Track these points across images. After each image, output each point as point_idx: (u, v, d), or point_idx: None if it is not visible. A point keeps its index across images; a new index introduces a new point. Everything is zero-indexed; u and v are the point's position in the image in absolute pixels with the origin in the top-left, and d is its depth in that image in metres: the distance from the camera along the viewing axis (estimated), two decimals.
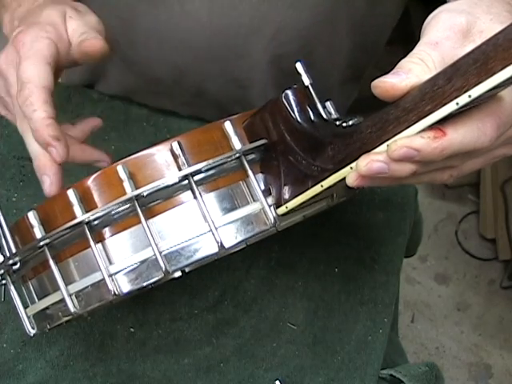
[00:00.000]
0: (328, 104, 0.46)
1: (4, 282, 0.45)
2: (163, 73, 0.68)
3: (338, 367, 0.57)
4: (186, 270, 0.58)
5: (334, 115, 0.45)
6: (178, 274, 0.58)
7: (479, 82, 0.29)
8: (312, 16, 0.61)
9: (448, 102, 0.31)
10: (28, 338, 0.45)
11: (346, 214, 0.65)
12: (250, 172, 0.39)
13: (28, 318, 0.44)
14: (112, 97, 0.71)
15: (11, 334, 0.56)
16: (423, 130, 0.32)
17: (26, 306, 0.44)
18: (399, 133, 0.33)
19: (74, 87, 0.72)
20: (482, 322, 1.50)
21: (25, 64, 0.45)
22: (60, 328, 0.57)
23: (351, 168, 0.35)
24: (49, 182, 0.44)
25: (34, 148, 0.45)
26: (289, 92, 0.39)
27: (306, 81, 0.42)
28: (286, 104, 0.39)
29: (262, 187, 0.40)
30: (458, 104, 0.30)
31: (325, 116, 0.41)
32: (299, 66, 0.42)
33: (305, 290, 0.61)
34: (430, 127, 0.32)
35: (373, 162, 0.34)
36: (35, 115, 0.44)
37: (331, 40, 0.66)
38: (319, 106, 0.41)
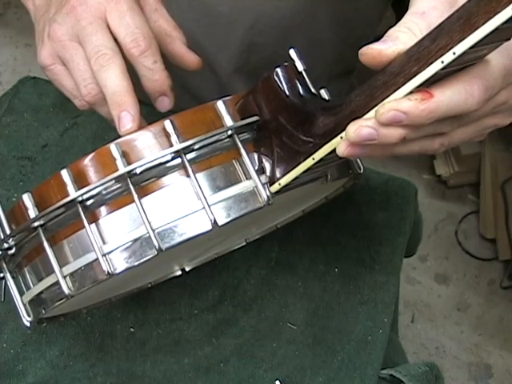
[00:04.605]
0: (323, 91, 0.46)
1: (1, 274, 0.45)
2: None
3: (338, 367, 0.57)
4: (187, 268, 0.58)
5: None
6: (179, 272, 0.58)
7: (463, 38, 0.29)
8: (291, 6, 0.62)
9: (434, 61, 0.31)
10: (25, 329, 0.45)
11: (345, 214, 0.65)
12: (242, 150, 0.39)
13: (24, 305, 0.44)
14: None
15: (11, 334, 0.56)
16: (411, 93, 0.32)
17: (21, 294, 0.44)
18: (387, 97, 0.33)
19: None
20: (481, 322, 1.50)
21: (130, 14, 0.44)
22: (60, 328, 0.57)
23: (341, 138, 0.35)
24: (130, 118, 0.42)
25: (115, 83, 0.43)
26: (279, 69, 0.40)
27: (300, 67, 0.42)
28: (277, 79, 0.39)
29: (256, 166, 0.40)
30: (443, 62, 0.30)
31: (314, 91, 0.41)
32: (292, 52, 0.43)
33: (305, 290, 0.61)
34: (418, 90, 0.32)
35: (361, 127, 0.34)
36: (156, 66, 0.45)
37: (312, 32, 0.66)
38: (310, 84, 0.41)
